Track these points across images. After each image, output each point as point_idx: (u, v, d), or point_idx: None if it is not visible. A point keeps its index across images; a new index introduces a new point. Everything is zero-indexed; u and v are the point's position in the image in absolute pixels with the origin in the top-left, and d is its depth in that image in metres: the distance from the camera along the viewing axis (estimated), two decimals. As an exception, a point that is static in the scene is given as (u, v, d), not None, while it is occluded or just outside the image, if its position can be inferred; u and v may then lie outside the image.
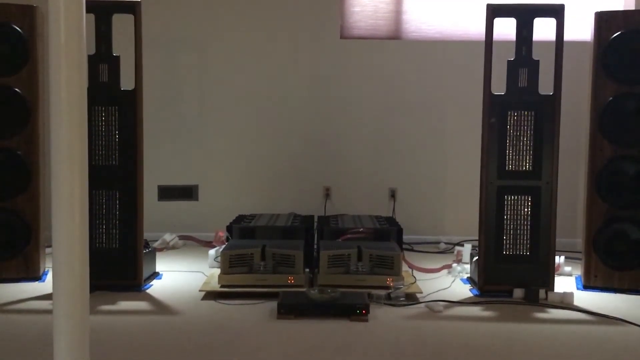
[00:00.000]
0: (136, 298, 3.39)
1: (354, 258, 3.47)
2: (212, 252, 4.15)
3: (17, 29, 3.58)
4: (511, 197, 3.49)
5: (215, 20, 5.01)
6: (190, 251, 4.61)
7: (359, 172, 5.09)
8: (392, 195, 5.08)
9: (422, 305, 3.28)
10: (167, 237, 4.72)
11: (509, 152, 3.48)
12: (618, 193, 3.59)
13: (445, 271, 4.00)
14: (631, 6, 4.66)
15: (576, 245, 4.45)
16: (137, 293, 3.46)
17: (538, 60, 3.43)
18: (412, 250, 4.70)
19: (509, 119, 3.47)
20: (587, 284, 3.65)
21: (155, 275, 3.84)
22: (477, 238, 3.55)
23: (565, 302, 3.35)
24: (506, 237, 3.49)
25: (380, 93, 5.06)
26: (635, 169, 3.57)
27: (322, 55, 5.04)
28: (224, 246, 3.68)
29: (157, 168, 4.89)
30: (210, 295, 3.40)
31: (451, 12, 5.01)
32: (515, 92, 3.46)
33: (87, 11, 2.06)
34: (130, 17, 3.46)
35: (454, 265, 3.99)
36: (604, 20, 3.58)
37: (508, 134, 3.47)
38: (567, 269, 4.00)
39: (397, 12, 5.01)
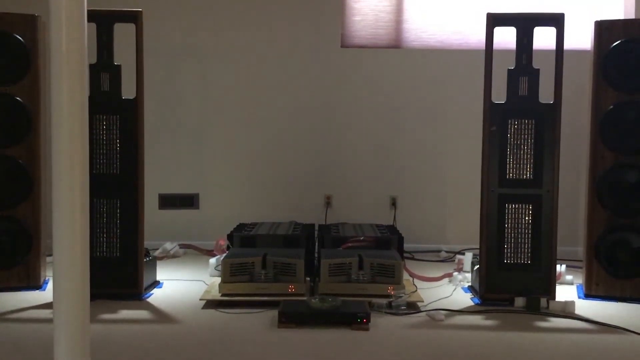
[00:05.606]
0: (137, 307, 3.38)
1: (355, 266, 3.47)
2: (212, 260, 4.15)
3: (19, 38, 3.59)
4: (512, 206, 3.48)
5: (216, 29, 5.03)
6: (191, 260, 4.61)
7: (360, 180, 5.09)
8: (393, 203, 5.08)
9: (423, 314, 3.27)
10: (168, 245, 4.72)
11: (509, 161, 3.48)
12: (619, 201, 3.58)
13: (446, 280, 3.99)
14: (631, 15, 4.68)
15: (577, 254, 4.44)
16: (137, 302, 3.45)
17: (538, 69, 3.44)
18: (413, 258, 4.69)
19: (509, 127, 3.47)
20: (589, 293, 3.64)
21: (156, 284, 3.84)
22: (478, 246, 3.55)
23: (566, 310, 3.34)
24: (507, 245, 3.49)
25: (380, 102, 5.06)
26: (637, 177, 3.57)
27: (323, 64, 5.05)
28: (224, 255, 3.68)
29: (158, 176, 4.89)
30: (211, 304, 3.39)
31: (451, 21, 5.02)
32: (515, 100, 3.46)
33: (89, 20, 2.07)
34: (131, 27, 3.47)
35: (455, 273, 3.98)
36: (604, 28, 3.58)
37: (509, 142, 3.47)
38: (569, 277, 3.99)
39: (398, 21, 5.02)
